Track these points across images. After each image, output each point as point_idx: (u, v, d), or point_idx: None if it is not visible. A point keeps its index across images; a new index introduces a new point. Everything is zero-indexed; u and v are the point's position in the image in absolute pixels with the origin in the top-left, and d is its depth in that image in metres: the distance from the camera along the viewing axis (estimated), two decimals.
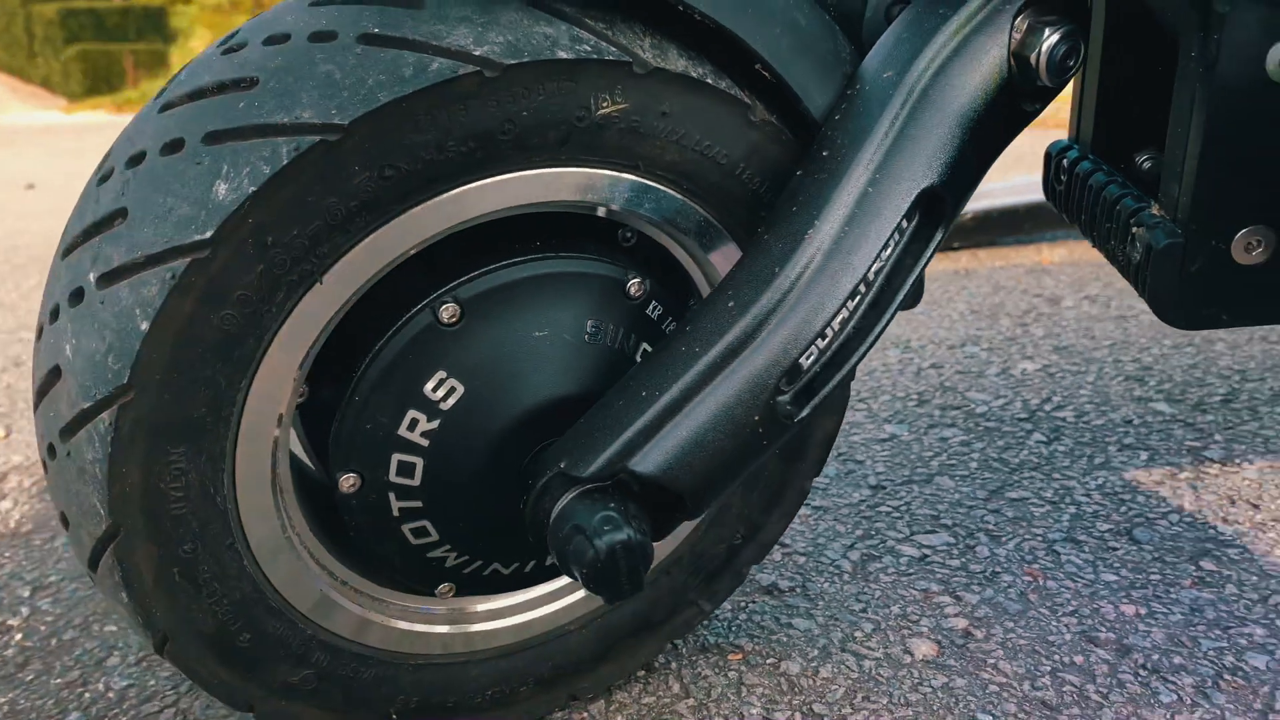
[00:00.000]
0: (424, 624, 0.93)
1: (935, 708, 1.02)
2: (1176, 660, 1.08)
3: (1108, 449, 1.60)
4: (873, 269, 0.77)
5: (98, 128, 10.05)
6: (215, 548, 0.78)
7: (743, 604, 1.22)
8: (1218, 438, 1.62)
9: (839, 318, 0.76)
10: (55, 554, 1.45)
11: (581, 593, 1.00)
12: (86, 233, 0.72)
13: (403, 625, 0.91)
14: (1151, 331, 2.14)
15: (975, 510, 1.42)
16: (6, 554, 1.46)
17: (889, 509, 1.43)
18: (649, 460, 0.74)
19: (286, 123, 0.67)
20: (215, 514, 0.77)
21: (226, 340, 0.71)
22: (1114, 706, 1.02)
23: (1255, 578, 1.22)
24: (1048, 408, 1.78)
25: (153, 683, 1.14)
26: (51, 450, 0.75)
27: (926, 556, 1.30)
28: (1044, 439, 1.65)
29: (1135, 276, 0.81)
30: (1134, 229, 0.80)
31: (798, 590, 1.24)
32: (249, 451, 0.77)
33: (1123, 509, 1.40)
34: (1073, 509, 1.41)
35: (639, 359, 0.85)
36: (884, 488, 1.49)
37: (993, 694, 1.04)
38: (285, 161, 0.66)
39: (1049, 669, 1.07)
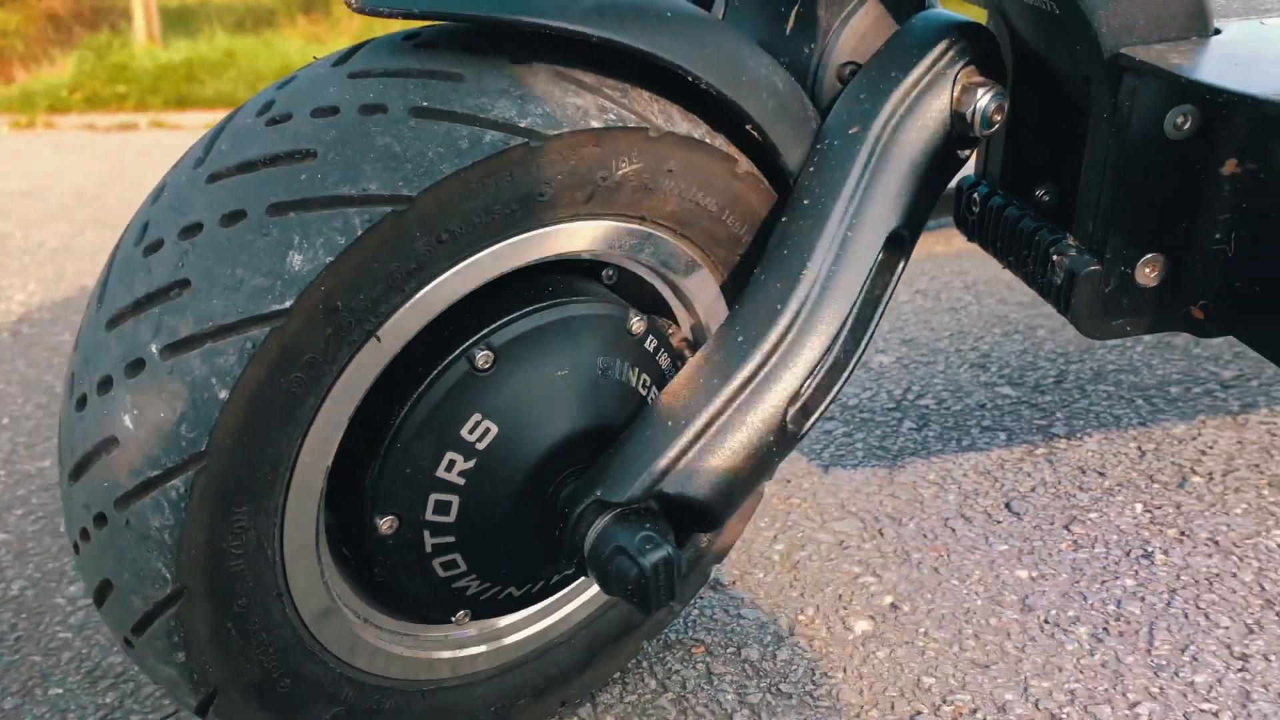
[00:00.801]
0: (437, 651, 0.98)
1: (885, 674, 1.16)
2: (1070, 613, 1.26)
3: (971, 432, 1.80)
4: (855, 302, 0.88)
5: None
6: (264, 599, 0.81)
7: (692, 602, 1.32)
8: (1059, 415, 1.85)
9: (830, 346, 0.87)
10: None
11: (572, 607, 1.07)
12: (139, 304, 0.73)
13: (419, 654, 0.96)
14: (982, 321, 2.39)
15: (874, 496, 1.57)
16: None
17: (799, 500, 1.57)
18: (682, 484, 0.83)
19: (355, 195, 0.71)
20: (266, 566, 0.80)
21: (293, 402, 0.74)
22: (1030, 658, 1.18)
23: (1116, 536, 1.43)
24: (910, 397, 1.97)
25: None
26: (101, 519, 0.75)
27: (843, 542, 1.45)
28: (914, 426, 1.83)
29: (1056, 297, 0.96)
30: (1054, 256, 0.95)
31: (738, 583, 1.36)
32: (298, 503, 0.80)
33: (997, 485, 1.59)
34: (955, 489, 1.59)
35: (643, 390, 0.93)
36: (790, 481, 1.63)
37: (930, 659, 1.19)
38: (360, 232, 0.70)
39: (971, 632, 1.23)
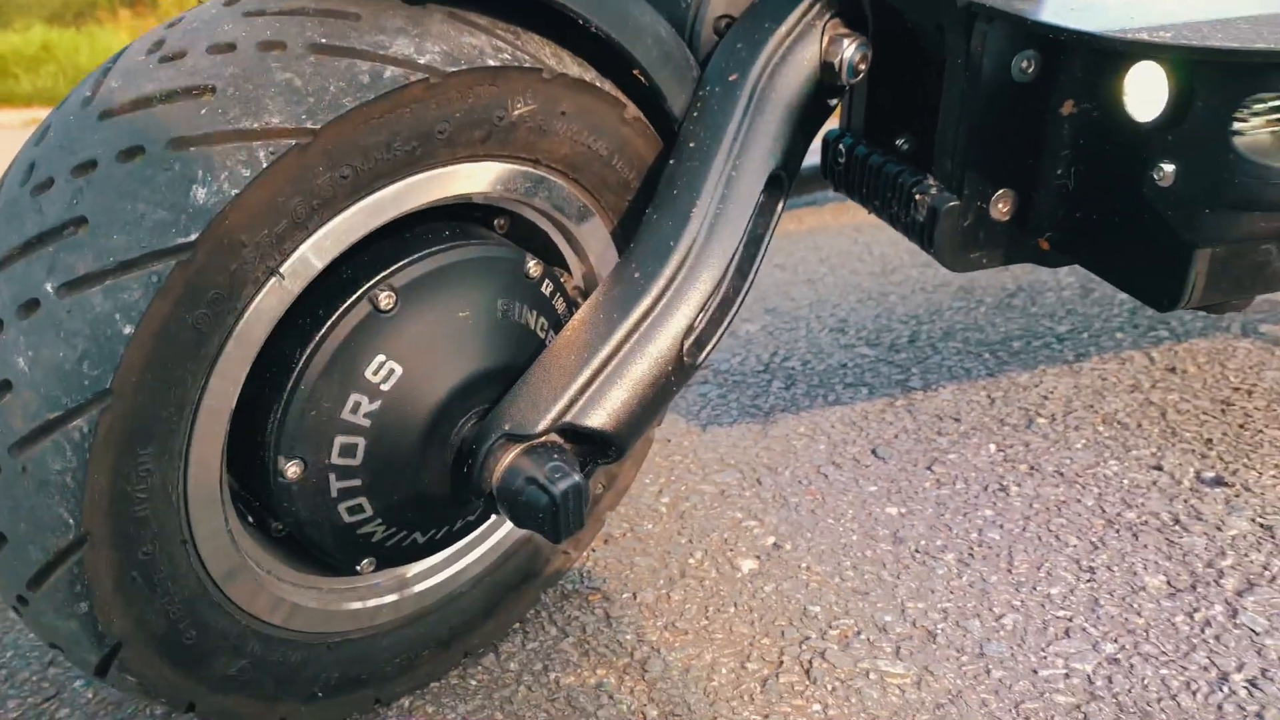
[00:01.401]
0: (342, 603, 0.98)
1: (773, 605, 1.22)
2: (939, 543, 1.35)
3: (835, 388, 1.89)
4: (741, 239, 0.93)
5: None
6: (170, 546, 0.79)
7: (587, 555, 1.35)
8: (915, 370, 1.96)
9: (720, 281, 0.91)
10: None
11: (473, 556, 1.08)
12: (29, 245, 0.71)
13: (324, 606, 0.96)
14: (838, 291, 2.50)
15: (750, 449, 1.64)
16: None
17: (681, 457, 1.62)
18: (588, 414, 0.86)
19: (258, 128, 0.71)
20: (171, 512, 0.78)
21: (198, 339, 0.73)
22: (904, 584, 1.26)
23: (974, 474, 1.53)
24: (777, 360, 2.05)
25: None
26: None
27: (725, 491, 1.50)
28: (783, 385, 1.92)
29: (920, 233, 1.03)
30: (916, 196, 1.03)
31: (629, 535, 1.39)
32: (202, 446, 0.79)
33: (863, 435, 1.68)
34: (825, 439, 1.67)
35: (540, 333, 0.95)
36: (670, 440, 1.68)
37: (814, 590, 1.25)
38: (264, 165, 0.70)
39: (850, 564, 1.30)
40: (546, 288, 0.96)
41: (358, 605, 0.99)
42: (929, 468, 1.56)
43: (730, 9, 1.02)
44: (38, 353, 0.70)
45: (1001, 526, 1.39)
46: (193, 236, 0.69)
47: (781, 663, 1.13)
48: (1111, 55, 0.92)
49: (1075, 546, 1.33)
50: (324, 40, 0.75)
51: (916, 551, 1.33)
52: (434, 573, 1.05)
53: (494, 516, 1.05)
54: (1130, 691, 1.08)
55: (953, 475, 1.53)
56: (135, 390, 0.71)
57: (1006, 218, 1.01)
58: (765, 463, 1.59)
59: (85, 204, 0.70)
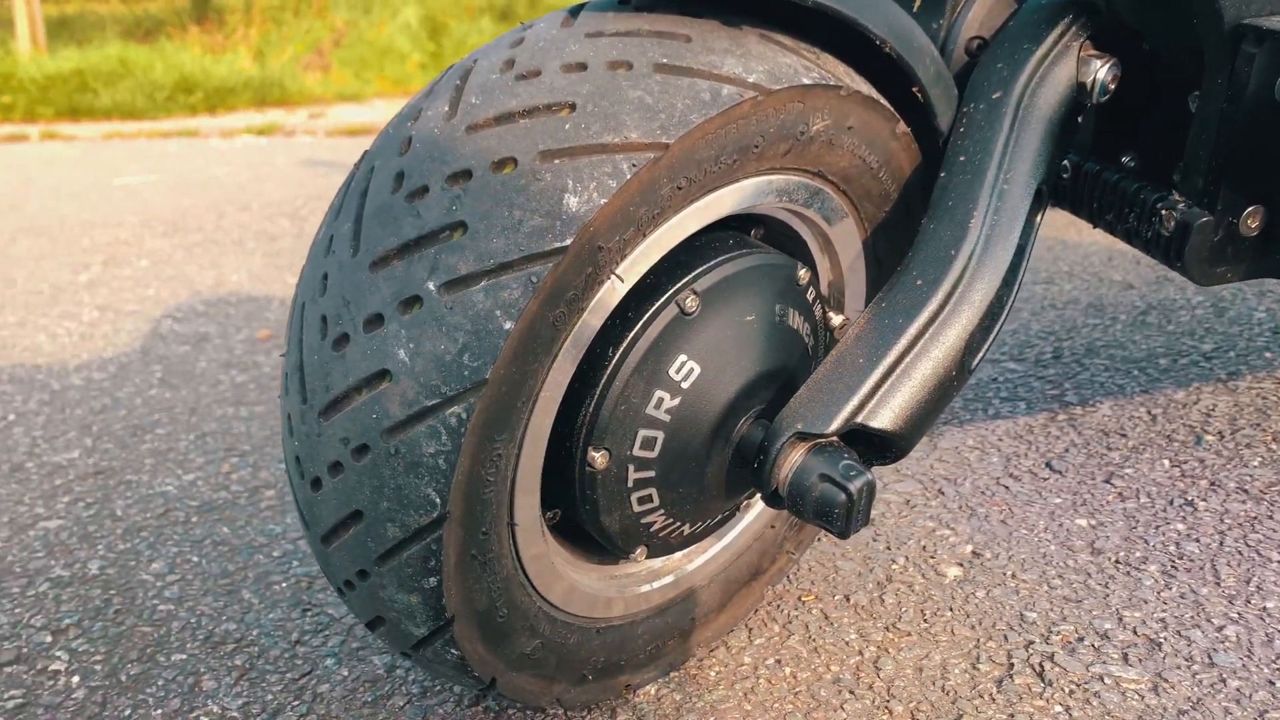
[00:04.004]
0: (613, 589, 1.03)
1: (989, 610, 1.25)
2: (1138, 554, 1.37)
3: (993, 402, 1.91)
4: (1015, 248, 0.97)
5: None
6: (499, 527, 0.85)
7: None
8: (1067, 385, 1.98)
9: (998, 289, 0.95)
10: (50, 598, 1.37)
11: (711, 552, 1.13)
12: (408, 246, 0.77)
13: (598, 591, 1.01)
14: None
15: (924, 461, 1.67)
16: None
17: None
18: (876, 415, 0.90)
19: (619, 142, 0.77)
20: (506, 496, 0.84)
21: (553, 335, 0.79)
22: (1115, 593, 1.28)
23: (1155, 488, 1.55)
24: None
25: (270, 697, 1.14)
26: (362, 450, 0.79)
27: (910, 501, 1.54)
28: None
29: (1165, 248, 1.06)
30: (1163, 211, 1.06)
31: (823, 538, 1.43)
32: (534, 434, 0.84)
33: (1033, 448, 1.71)
34: (996, 452, 1.70)
35: (805, 337, 1.00)
36: None
37: (1026, 596, 1.28)
38: (627, 176, 0.76)
39: (1055, 573, 1.33)
40: (810, 295, 1.01)
41: (624, 593, 1.04)
42: (1108, 481, 1.58)
43: (982, 31, 1.06)
44: (419, 345, 0.76)
45: (1198, 541, 1.40)
46: (567, 241, 0.75)
47: (1012, 665, 1.16)
48: None
49: (1279, 563, 1.34)
50: (665, 60, 0.81)
51: (1118, 562, 1.35)
52: (681, 565, 1.10)
53: (734, 514, 1.10)
54: None
55: (1134, 489, 1.55)
56: (503, 381, 0.77)
57: (1255, 233, 1.04)
58: (943, 474, 1.62)
59: (463, 210, 0.76)
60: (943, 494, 1.55)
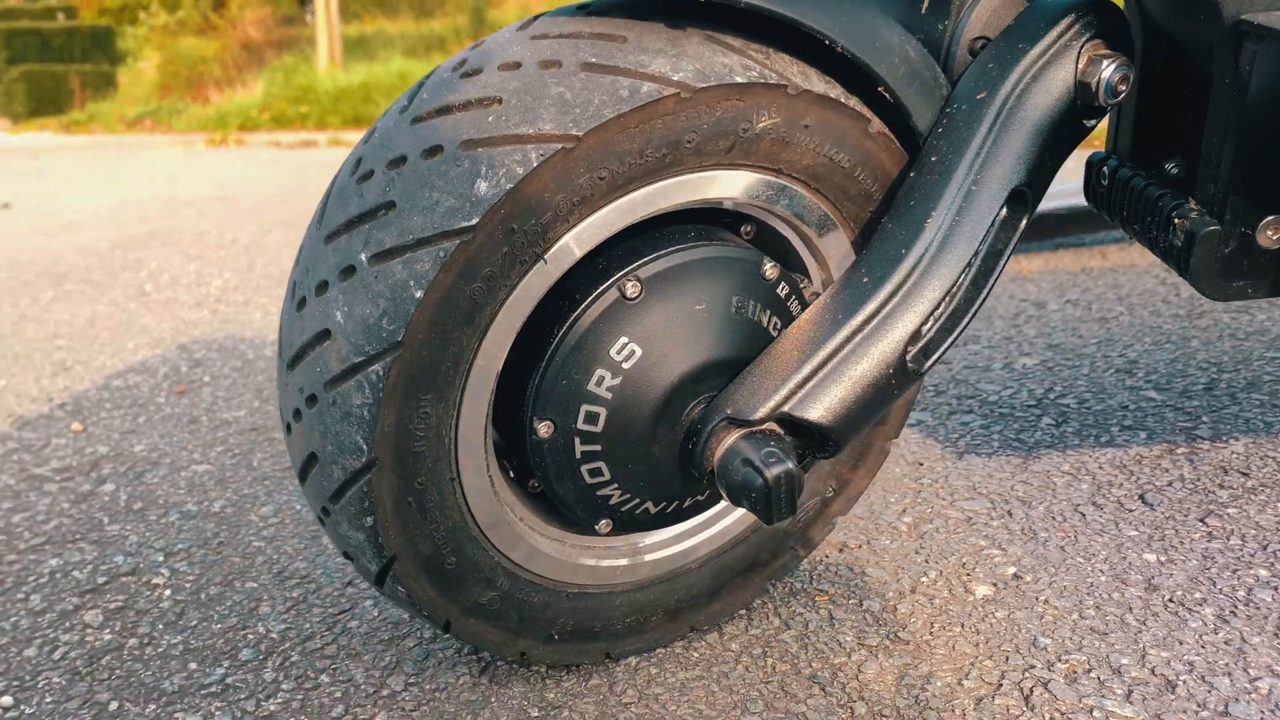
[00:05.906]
0: (580, 557, 1.09)
1: (1001, 631, 1.21)
2: (1198, 595, 1.27)
3: (1111, 430, 1.80)
4: (976, 251, 0.95)
5: (50, 150, 9.69)
6: (439, 480, 0.94)
7: (819, 558, 1.39)
8: (1205, 419, 1.83)
9: (952, 291, 0.94)
10: (175, 527, 1.59)
11: (702, 537, 1.17)
12: (351, 222, 0.88)
13: (565, 557, 1.08)
14: (1133, 330, 2.36)
15: (1005, 481, 1.61)
16: (129, 528, 1.60)
17: (930, 480, 1.62)
18: (805, 406, 0.92)
19: (532, 133, 0.84)
20: (443, 451, 0.93)
21: (472, 308, 0.87)
22: (1150, 631, 1.20)
23: (1254, 531, 1.42)
24: (1051, 396, 1.98)
25: (308, 625, 1.29)
26: (312, 400, 0.90)
27: (971, 519, 1.49)
28: (1053, 422, 1.85)
29: (1177, 259, 1.00)
30: (1175, 220, 1.00)
31: (864, 546, 1.42)
32: (472, 400, 0.93)
33: (1132, 479, 1.60)
34: (1089, 479, 1.61)
35: (773, 331, 1.03)
36: (922, 464, 1.68)
37: (1049, 623, 1.22)
38: (535, 164, 0.83)
39: (1093, 603, 1.26)
40: (782, 290, 1.03)
41: (593, 562, 1.10)
42: (1202, 520, 1.46)
43: (986, 31, 1.04)
44: (351, 309, 0.86)
45: (1276, 589, 1.28)
46: (474, 221, 0.83)
47: (1000, 686, 1.12)
48: None
49: None
50: (594, 59, 0.87)
51: (1170, 601, 1.26)
52: (665, 546, 1.14)
53: (722, 503, 1.13)
54: None
55: (1228, 530, 1.43)
56: (420, 345, 0.86)
57: (1276, 245, 0.96)
58: (1019, 495, 1.56)
59: (395, 191, 0.86)
60: (1009, 514, 1.50)
